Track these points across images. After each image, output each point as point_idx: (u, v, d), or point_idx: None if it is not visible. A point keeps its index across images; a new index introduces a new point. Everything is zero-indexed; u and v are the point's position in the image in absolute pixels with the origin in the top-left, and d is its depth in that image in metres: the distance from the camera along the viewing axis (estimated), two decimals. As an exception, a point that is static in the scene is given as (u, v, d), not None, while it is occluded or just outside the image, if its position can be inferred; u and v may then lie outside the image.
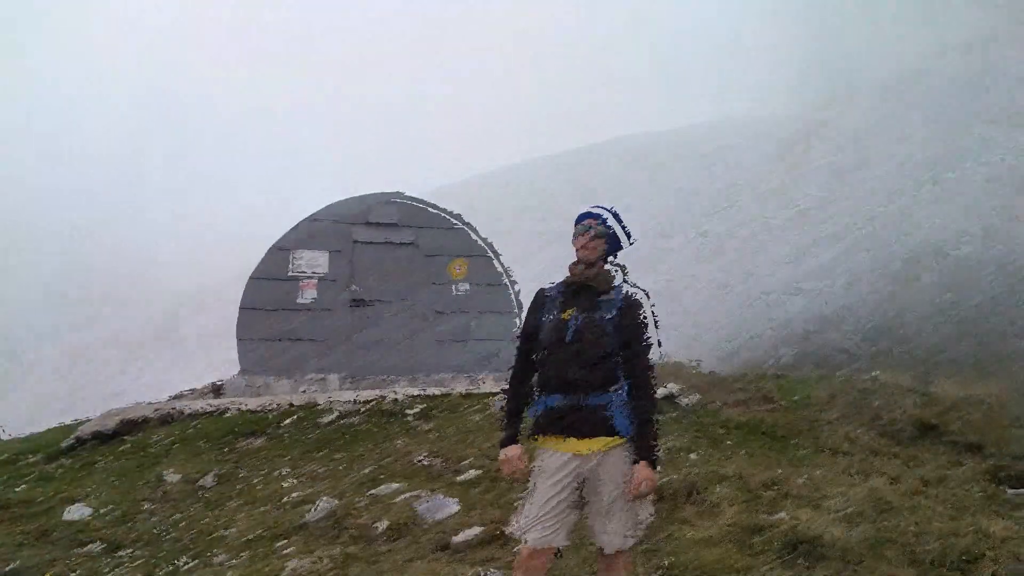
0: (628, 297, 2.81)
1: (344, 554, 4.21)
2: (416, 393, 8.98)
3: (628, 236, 2.89)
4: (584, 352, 2.71)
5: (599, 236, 2.79)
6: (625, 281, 2.88)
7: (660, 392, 9.48)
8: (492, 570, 3.89)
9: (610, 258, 2.89)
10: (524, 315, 3.02)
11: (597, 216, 2.83)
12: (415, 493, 5.08)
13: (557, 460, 2.74)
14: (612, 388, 2.72)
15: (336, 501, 5.14)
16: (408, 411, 8.06)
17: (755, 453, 7.48)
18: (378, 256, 10.70)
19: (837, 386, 9.27)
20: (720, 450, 6.77)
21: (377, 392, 9.31)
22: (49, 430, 9.32)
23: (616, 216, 2.87)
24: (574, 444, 2.72)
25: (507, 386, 2.95)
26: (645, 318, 2.80)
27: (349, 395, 8.98)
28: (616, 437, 2.71)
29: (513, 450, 2.84)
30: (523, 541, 2.75)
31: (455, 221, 11.22)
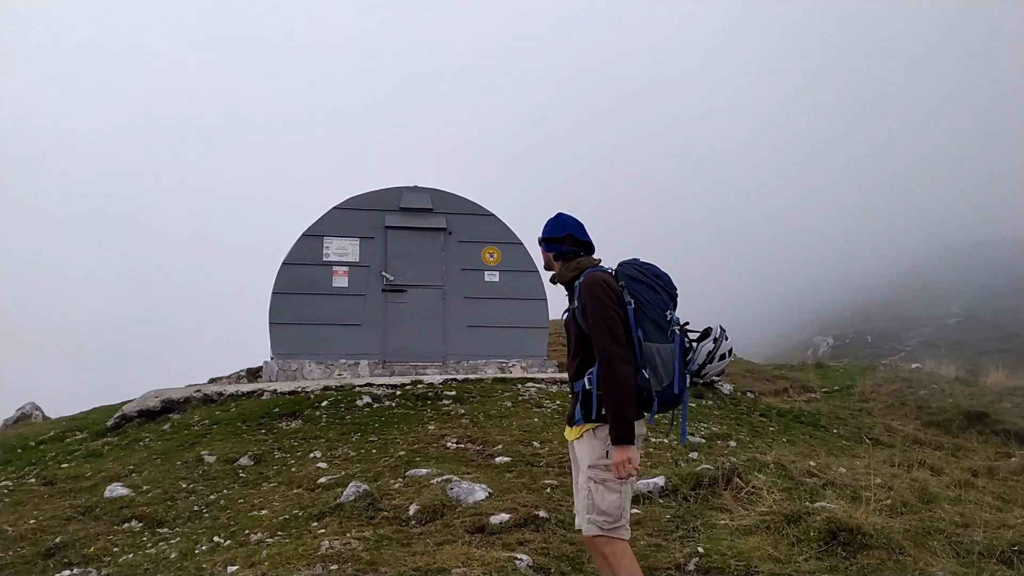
0: (584, 282, 2.88)
1: (377, 535, 4.24)
2: (449, 378, 9.02)
3: (548, 231, 3.06)
4: (569, 344, 3.01)
5: (542, 245, 3.11)
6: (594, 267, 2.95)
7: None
8: (524, 554, 3.88)
9: (580, 254, 3.01)
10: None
11: (544, 229, 3.10)
12: (448, 477, 5.10)
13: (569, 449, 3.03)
14: (586, 374, 2.82)
15: (370, 483, 5.19)
16: (441, 396, 8.10)
17: (796, 441, 7.35)
18: (410, 242, 10.74)
19: (880, 376, 9.03)
20: (760, 437, 6.66)
21: (410, 376, 9.37)
22: (94, 409, 9.61)
23: (549, 224, 3.07)
24: (568, 432, 2.99)
25: None
26: (599, 296, 2.77)
27: (383, 379, 9.06)
28: (583, 423, 2.81)
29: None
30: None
31: (488, 208, 11.20)
